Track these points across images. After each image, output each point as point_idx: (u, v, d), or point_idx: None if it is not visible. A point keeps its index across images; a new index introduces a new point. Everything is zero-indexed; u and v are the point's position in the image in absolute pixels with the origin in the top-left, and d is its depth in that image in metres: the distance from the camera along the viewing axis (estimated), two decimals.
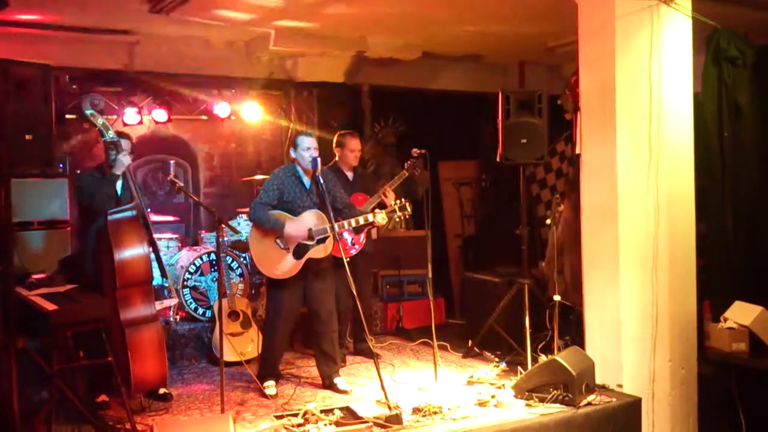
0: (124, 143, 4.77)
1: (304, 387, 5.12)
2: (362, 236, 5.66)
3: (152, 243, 4.71)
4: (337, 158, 5.75)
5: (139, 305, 4.44)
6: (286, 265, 4.84)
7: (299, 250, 4.84)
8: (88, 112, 4.68)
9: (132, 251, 4.41)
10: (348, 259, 5.02)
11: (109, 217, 4.44)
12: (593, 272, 4.90)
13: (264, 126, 8.04)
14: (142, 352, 4.39)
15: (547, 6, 5.28)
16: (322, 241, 4.84)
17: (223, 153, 7.96)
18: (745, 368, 4.71)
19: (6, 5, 3.58)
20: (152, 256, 4.67)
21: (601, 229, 4.81)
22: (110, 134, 4.67)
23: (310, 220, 4.84)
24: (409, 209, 4.98)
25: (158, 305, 4.61)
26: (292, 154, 4.94)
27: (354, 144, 5.69)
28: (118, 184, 4.77)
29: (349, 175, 5.73)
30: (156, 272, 4.90)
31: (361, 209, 5.23)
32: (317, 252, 4.85)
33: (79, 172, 5.28)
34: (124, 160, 4.69)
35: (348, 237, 5.55)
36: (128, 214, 4.52)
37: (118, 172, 4.69)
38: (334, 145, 5.77)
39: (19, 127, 4.47)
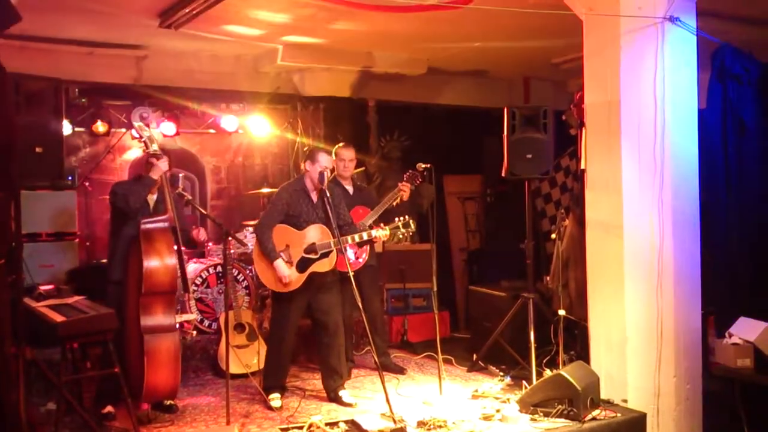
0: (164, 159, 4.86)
1: (309, 399, 5.13)
2: (366, 249, 5.64)
3: (180, 256, 4.75)
4: (335, 172, 5.74)
5: (160, 314, 4.50)
6: (289, 279, 4.86)
7: (303, 264, 4.87)
8: (137, 124, 4.82)
9: (160, 261, 4.49)
10: (353, 273, 5.00)
11: (143, 226, 4.55)
12: (598, 287, 4.90)
13: (271, 140, 8.11)
14: (158, 360, 4.43)
15: (551, 22, 5.31)
16: (326, 255, 4.87)
17: (230, 166, 8.03)
18: (750, 384, 4.69)
19: (18, 19, 3.62)
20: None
21: (606, 244, 4.81)
22: (154, 147, 4.82)
23: (313, 235, 4.88)
24: (412, 226, 5.00)
25: (178, 318, 4.65)
26: (307, 167, 4.97)
27: (345, 154, 5.66)
28: (151, 197, 4.86)
29: (349, 189, 5.73)
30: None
31: (362, 223, 5.25)
32: (321, 266, 4.87)
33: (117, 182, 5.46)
34: (163, 165, 4.78)
35: (350, 250, 5.52)
36: (161, 225, 4.61)
37: (155, 176, 4.77)
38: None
39: (29, 140, 4.54)
